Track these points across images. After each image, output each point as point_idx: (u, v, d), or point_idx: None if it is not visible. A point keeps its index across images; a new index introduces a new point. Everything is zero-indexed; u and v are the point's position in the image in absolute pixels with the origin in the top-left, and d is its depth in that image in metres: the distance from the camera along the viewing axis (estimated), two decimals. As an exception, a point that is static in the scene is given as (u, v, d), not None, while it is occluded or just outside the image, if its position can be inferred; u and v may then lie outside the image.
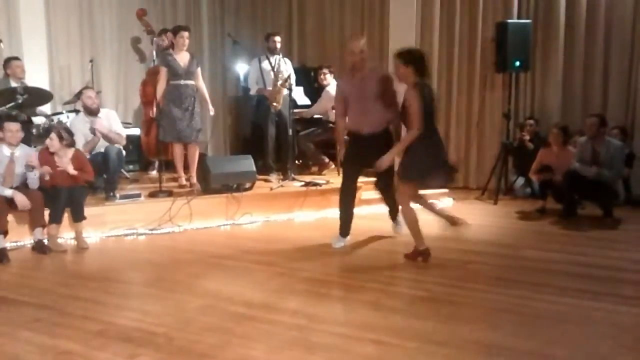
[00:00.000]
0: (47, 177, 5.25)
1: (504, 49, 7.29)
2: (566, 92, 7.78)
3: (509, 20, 7.48)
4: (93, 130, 6.02)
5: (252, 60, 7.77)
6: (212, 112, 7.01)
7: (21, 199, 5.02)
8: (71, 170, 5.32)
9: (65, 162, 5.35)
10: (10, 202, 5.02)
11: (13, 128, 5.10)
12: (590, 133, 6.31)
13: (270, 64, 7.42)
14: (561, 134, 6.69)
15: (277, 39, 7.57)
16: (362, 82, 5.05)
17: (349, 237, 5.33)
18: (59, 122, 6.52)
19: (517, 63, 7.31)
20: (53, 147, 5.37)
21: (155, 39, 7.79)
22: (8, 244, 5.01)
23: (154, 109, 6.61)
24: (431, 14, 8.36)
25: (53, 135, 5.39)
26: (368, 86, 5.02)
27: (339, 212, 5.34)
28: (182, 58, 6.65)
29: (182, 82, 6.60)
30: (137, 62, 8.45)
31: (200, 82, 6.83)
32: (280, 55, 7.53)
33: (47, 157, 5.35)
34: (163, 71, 6.59)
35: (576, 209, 6.37)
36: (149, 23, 7.93)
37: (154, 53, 7.70)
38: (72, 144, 5.49)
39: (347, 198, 5.30)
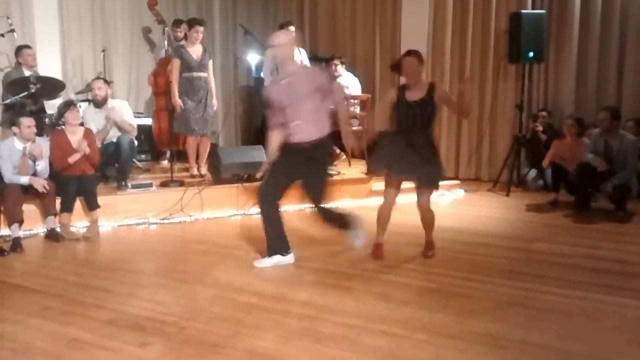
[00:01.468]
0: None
1: (517, 40, 7.22)
2: (580, 83, 7.70)
3: (523, 11, 7.41)
4: (107, 118, 6.05)
5: (266, 51, 7.76)
6: (214, 107, 7.00)
7: (38, 182, 5.07)
8: (85, 147, 5.35)
9: (78, 139, 5.41)
10: (25, 191, 5.07)
11: (28, 123, 5.13)
12: (602, 126, 6.24)
13: None
14: (575, 125, 6.64)
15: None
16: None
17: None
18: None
19: (531, 54, 7.24)
20: (78, 118, 5.51)
21: (166, 28, 7.79)
22: (21, 233, 5.05)
23: (175, 101, 6.57)
24: (444, 4, 8.30)
25: (73, 107, 5.50)
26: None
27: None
28: (195, 51, 6.66)
29: (195, 74, 6.62)
30: (149, 52, 8.47)
31: (210, 75, 6.84)
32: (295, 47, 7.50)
33: (60, 138, 5.38)
34: (176, 63, 6.59)
35: (589, 201, 6.32)
36: (159, 13, 7.93)
37: (166, 43, 7.72)
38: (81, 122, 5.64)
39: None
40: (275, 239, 4.44)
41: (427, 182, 4.52)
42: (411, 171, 4.44)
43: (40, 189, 5.07)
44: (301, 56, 7.56)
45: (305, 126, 4.27)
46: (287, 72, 4.38)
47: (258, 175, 4.63)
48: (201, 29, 6.67)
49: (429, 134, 4.53)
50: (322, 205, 4.41)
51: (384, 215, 4.68)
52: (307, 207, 6.25)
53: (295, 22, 9.15)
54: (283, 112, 4.33)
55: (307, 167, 4.31)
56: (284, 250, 4.46)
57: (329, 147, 4.54)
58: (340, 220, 4.51)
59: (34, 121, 5.23)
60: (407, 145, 4.44)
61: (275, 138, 4.44)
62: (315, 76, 4.43)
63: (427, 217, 4.66)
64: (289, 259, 4.48)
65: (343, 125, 4.57)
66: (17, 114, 5.41)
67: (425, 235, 4.74)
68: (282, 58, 4.39)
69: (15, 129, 5.14)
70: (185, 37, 6.86)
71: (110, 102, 6.25)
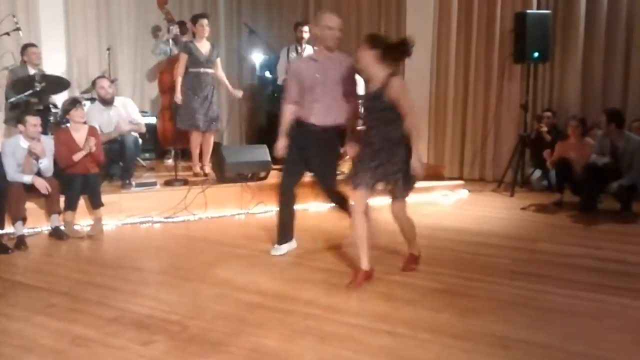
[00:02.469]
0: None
1: (522, 40, 7.22)
2: (585, 83, 7.68)
3: (528, 11, 7.40)
4: (116, 128, 6.08)
5: (282, 50, 7.79)
6: (240, 94, 7.00)
7: (41, 182, 5.08)
8: (92, 145, 5.33)
9: (82, 137, 5.42)
10: (28, 189, 5.08)
11: (34, 122, 5.14)
12: (604, 129, 6.26)
13: (298, 54, 7.44)
14: (579, 125, 6.63)
15: (305, 28, 7.58)
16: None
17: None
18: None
19: (536, 54, 7.24)
20: (83, 116, 5.53)
21: (172, 27, 7.81)
22: (25, 230, 5.06)
23: (177, 96, 6.58)
24: (449, 4, 8.29)
25: (79, 105, 5.51)
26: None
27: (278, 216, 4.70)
28: (204, 46, 6.67)
29: (202, 70, 6.63)
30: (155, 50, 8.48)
31: (220, 72, 6.86)
32: (309, 45, 7.53)
33: (65, 136, 5.39)
34: (183, 58, 6.60)
35: (596, 202, 6.29)
36: (169, 12, 7.95)
37: (171, 42, 7.73)
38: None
39: (287, 201, 4.60)
40: (287, 228, 4.67)
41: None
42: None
43: (43, 191, 5.08)
44: None
45: (326, 109, 4.38)
46: (326, 53, 4.47)
47: (279, 154, 4.61)
48: (205, 21, 6.69)
49: (386, 133, 3.91)
50: (332, 190, 4.52)
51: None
52: (314, 204, 6.28)
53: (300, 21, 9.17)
54: (308, 89, 4.41)
55: (318, 150, 4.42)
56: (291, 238, 4.73)
57: (340, 135, 4.52)
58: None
59: (40, 120, 5.25)
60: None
61: (289, 113, 4.51)
62: (350, 67, 4.50)
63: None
64: (293, 244, 4.76)
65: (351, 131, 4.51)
66: (23, 112, 5.43)
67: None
68: (329, 40, 4.44)
69: (21, 127, 5.15)
70: (194, 35, 6.87)
71: (116, 100, 6.26)
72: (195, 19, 6.81)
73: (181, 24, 7.85)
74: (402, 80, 4.11)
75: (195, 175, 6.77)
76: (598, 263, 4.52)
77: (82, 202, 5.45)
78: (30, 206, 5.20)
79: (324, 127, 4.40)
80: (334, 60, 4.47)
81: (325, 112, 4.39)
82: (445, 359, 2.93)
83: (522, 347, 3.06)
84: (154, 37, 8.54)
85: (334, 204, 4.76)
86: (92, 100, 6.74)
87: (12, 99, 6.22)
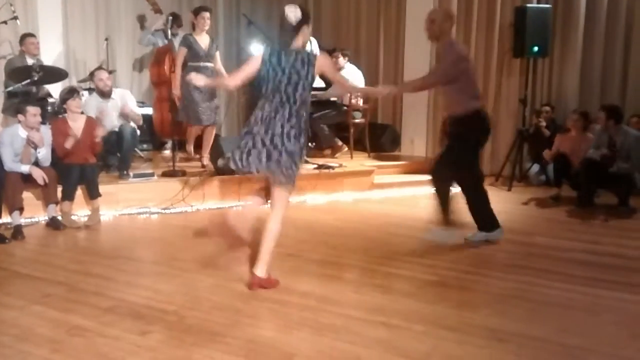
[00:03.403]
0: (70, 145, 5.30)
1: (522, 34, 7.19)
2: (584, 78, 7.67)
3: (529, 5, 7.37)
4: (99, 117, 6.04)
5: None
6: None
7: (38, 173, 5.06)
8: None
9: (79, 126, 5.41)
10: (25, 179, 5.07)
11: (34, 112, 5.12)
12: (602, 125, 6.27)
13: None
14: (581, 119, 6.63)
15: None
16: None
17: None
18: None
19: (536, 48, 7.21)
20: (80, 106, 5.52)
21: (170, 17, 7.76)
22: (23, 220, 5.06)
23: (175, 91, 6.57)
24: (449, -2, 8.25)
25: (76, 95, 5.50)
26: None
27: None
28: (203, 40, 6.64)
29: (202, 64, 6.60)
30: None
31: (219, 66, 6.83)
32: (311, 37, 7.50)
33: (61, 126, 5.38)
34: (182, 52, 6.58)
35: (593, 197, 6.30)
36: (156, 2, 7.90)
37: (169, 32, 7.69)
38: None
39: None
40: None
41: None
42: None
43: (39, 181, 5.07)
44: (311, 46, 7.55)
45: (446, 101, 4.97)
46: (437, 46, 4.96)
47: None
48: (207, 14, 6.65)
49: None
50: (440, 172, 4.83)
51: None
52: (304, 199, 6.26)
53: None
54: None
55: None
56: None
57: (467, 124, 4.66)
58: (443, 203, 4.90)
59: (40, 110, 5.23)
60: None
61: None
62: (445, 56, 4.67)
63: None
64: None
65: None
66: (23, 102, 5.40)
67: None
68: (434, 33, 4.68)
69: (21, 117, 5.13)
70: (194, 28, 6.84)
71: (114, 93, 6.25)
72: (197, 11, 6.77)
73: (175, 16, 7.78)
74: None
75: (189, 159, 6.76)
76: (595, 257, 4.53)
77: (79, 193, 5.44)
78: (27, 196, 5.19)
79: (451, 119, 4.86)
80: (440, 51, 4.86)
81: (447, 104, 5.00)
82: (441, 351, 2.94)
83: (517, 340, 3.06)
84: (141, 29, 8.50)
85: (435, 183, 5.01)
86: (90, 90, 6.70)
87: (10, 89, 6.20)
